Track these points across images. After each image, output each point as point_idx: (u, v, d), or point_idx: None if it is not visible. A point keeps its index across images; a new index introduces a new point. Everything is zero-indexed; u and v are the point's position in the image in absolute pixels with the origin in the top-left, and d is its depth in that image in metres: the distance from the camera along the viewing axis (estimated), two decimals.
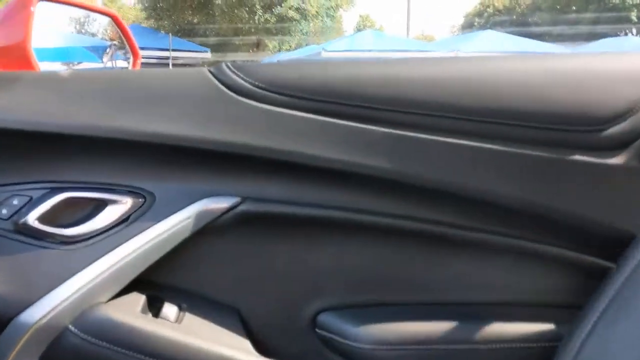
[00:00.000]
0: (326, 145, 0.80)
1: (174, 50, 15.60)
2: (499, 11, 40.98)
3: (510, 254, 0.87)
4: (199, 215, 0.83)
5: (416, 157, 0.80)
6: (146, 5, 23.23)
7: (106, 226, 0.81)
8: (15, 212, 0.79)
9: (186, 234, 0.83)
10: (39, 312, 0.76)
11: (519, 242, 0.84)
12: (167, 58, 15.47)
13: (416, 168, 0.80)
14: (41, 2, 1.00)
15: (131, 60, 1.35)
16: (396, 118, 0.80)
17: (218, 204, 0.83)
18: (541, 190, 0.80)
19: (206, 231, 0.84)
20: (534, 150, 0.78)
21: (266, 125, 0.81)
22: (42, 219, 0.79)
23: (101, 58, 1.54)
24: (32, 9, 0.95)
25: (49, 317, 0.76)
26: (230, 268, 0.89)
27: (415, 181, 0.81)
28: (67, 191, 0.81)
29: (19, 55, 0.95)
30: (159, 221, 0.82)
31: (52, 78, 0.84)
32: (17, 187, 0.81)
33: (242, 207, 0.84)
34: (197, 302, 0.88)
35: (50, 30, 1.36)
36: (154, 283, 0.87)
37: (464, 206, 0.83)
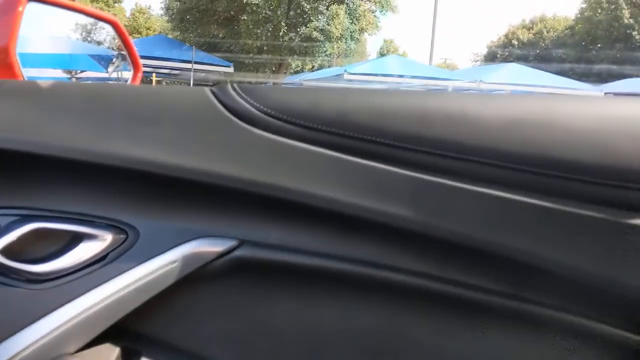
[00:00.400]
0: (341, 186, 0.69)
1: (197, 62, 15.73)
2: (524, 44, 41.10)
3: (555, 331, 0.73)
4: (188, 259, 0.71)
5: (445, 207, 0.68)
6: (173, 17, 23.52)
7: (80, 264, 0.70)
8: None
9: (172, 279, 0.71)
10: None
11: (567, 317, 0.71)
12: (190, 70, 15.59)
13: (444, 220, 0.68)
14: (32, 3, 0.90)
15: (131, 74, 1.25)
16: (424, 160, 0.68)
17: (211, 246, 0.72)
18: (597, 259, 0.66)
19: (195, 277, 0.72)
20: (589, 209, 0.65)
21: (272, 158, 0.70)
22: (7, 251, 0.68)
23: (106, 68, 1.45)
24: (20, 9, 0.85)
25: None
26: (220, 321, 0.77)
27: (442, 235, 0.69)
28: (38, 221, 0.70)
29: (1, 60, 0.85)
30: (141, 262, 0.71)
31: (31, 89, 0.74)
32: None
33: (238, 252, 0.72)
34: (179, 358, 0.76)
35: (53, 36, 1.28)
36: (131, 332, 0.75)
37: (499, 268, 0.70)
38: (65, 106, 0.72)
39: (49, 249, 0.70)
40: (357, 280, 0.74)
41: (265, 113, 0.70)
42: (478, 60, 48.77)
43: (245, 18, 19.98)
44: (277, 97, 0.72)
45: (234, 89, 0.72)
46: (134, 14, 42.76)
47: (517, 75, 13.93)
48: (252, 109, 0.70)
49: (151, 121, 0.71)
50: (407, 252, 0.72)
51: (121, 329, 0.73)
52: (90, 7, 1.24)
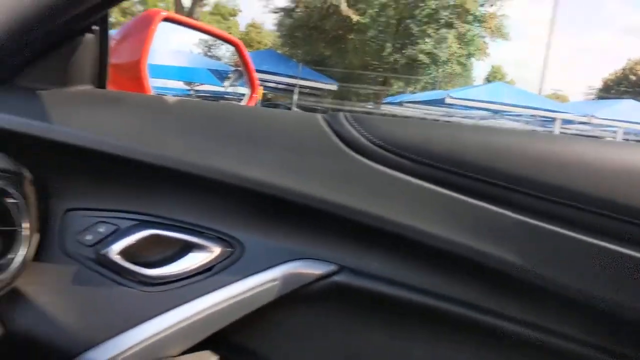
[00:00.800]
0: (446, 223, 0.68)
1: (302, 78, 16.10)
2: None
3: None
4: (289, 278, 0.73)
5: (558, 258, 0.65)
6: (283, 33, 24.18)
7: (188, 272, 0.73)
8: (100, 241, 0.74)
9: (272, 297, 0.73)
10: (104, 355, 0.70)
11: None
12: (295, 85, 15.98)
13: (556, 272, 0.65)
14: (164, 22, 0.96)
15: (248, 94, 1.30)
16: (536, 205, 0.66)
17: (311, 269, 0.73)
18: None
19: (293, 297, 0.74)
20: None
21: (379, 189, 0.70)
22: (125, 253, 0.72)
23: (222, 82, 1.52)
24: (153, 27, 0.92)
25: None
26: (313, 341, 0.78)
27: (552, 287, 0.66)
28: (154, 227, 0.74)
29: (132, 74, 0.91)
30: (245, 277, 0.73)
31: (156, 103, 0.79)
32: (105, 213, 0.76)
33: (337, 277, 0.73)
34: None
35: (177, 49, 1.36)
36: (229, 343, 0.78)
37: (616, 328, 0.66)
38: (186, 122, 0.76)
39: (161, 255, 0.74)
40: (452, 320, 0.73)
41: (376, 144, 0.71)
42: (591, 94, 46.64)
43: (353, 37, 20.21)
44: (389, 128, 0.73)
45: (346, 117, 0.73)
46: (247, 29, 44.41)
47: (632, 113, 13.17)
48: (363, 139, 0.71)
49: (265, 143, 0.73)
50: (515, 300, 0.70)
51: (221, 339, 0.75)
52: (216, 28, 1.30)
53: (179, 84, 1.45)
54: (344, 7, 19.02)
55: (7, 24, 0.66)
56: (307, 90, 17.23)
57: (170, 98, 0.79)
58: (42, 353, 0.73)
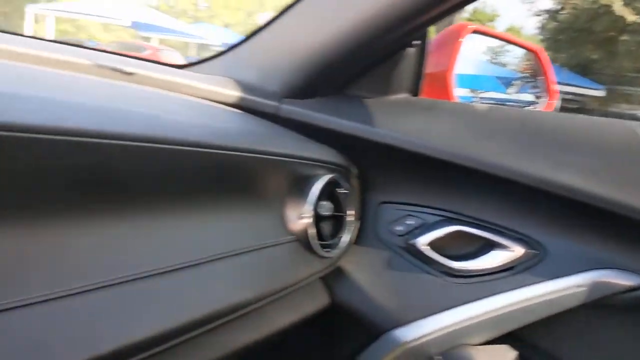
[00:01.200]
0: None
1: (565, 84, 15.06)
2: None
3: None
4: (595, 286, 0.73)
5: None
6: (547, 36, 22.88)
7: (491, 269, 0.77)
8: (409, 232, 0.82)
9: (575, 302, 0.74)
10: (411, 334, 0.78)
11: None
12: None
13: None
14: (471, 34, 1.02)
15: (543, 100, 1.29)
16: None
17: (620, 279, 0.72)
18: None
19: (597, 305, 0.73)
20: None
21: None
22: (432, 245, 0.80)
23: (506, 89, 1.52)
24: (460, 40, 0.98)
25: (419, 342, 0.77)
26: (611, 353, 0.76)
27: None
28: (459, 224, 0.80)
29: (441, 83, 0.98)
30: (548, 279, 0.75)
31: (468, 110, 0.84)
32: (414, 208, 0.84)
33: None
34: None
35: (467, 58, 1.39)
36: (526, 341, 0.80)
37: None
38: (495, 128, 0.79)
39: (464, 250, 0.80)
40: None
41: None
42: None
43: (626, 38, 18.28)
44: None
45: None
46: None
47: None
48: None
49: (574, 149, 0.74)
50: None
51: (518, 336, 0.78)
52: (516, 37, 1.33)
53: (464, 92, 1.49)
54: (617, 6, 17.29)
55: (348, 41, 0.77)
56: (569, 96, 16.04)
57: (479, 105, 0.84)
58: (358, 324, 0.83)
